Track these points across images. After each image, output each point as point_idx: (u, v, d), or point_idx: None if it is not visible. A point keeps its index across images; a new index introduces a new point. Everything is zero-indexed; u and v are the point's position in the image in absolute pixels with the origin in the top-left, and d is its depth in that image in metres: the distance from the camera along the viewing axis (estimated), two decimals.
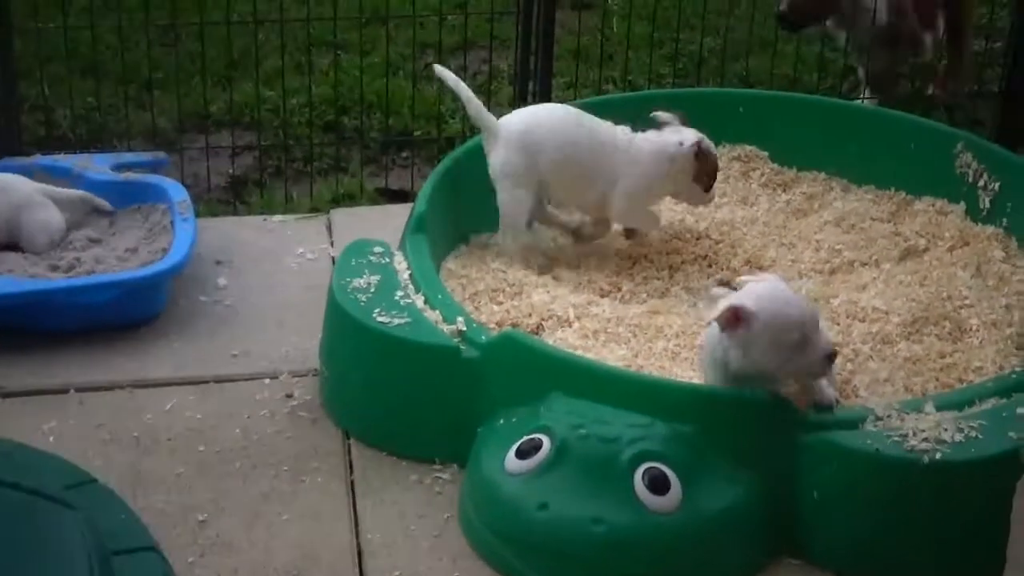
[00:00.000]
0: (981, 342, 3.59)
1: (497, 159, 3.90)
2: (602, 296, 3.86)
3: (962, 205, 4.19)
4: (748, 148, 4.50)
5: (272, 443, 3.45)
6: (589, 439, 3.04)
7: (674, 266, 4.04)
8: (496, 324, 3.61)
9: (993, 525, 2.53)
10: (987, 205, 4.13)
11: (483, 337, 3.34)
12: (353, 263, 3.66)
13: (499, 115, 3.96)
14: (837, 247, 4.09)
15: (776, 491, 3.06)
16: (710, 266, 4.04)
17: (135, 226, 4.21)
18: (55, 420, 3.50)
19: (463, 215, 4.08)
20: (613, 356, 3.50)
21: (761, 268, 3.92)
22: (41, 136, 5.01)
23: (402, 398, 3.39)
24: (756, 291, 3.10)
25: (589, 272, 3.99)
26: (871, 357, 3.55)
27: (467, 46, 5.44)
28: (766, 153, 4.44)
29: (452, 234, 4.03)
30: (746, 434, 3.09)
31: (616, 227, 4.11)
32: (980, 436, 2.99)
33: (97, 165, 4.39)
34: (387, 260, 3.69)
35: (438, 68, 3.96)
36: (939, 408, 3.10)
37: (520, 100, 5.04)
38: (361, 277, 3.58)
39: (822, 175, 4.44)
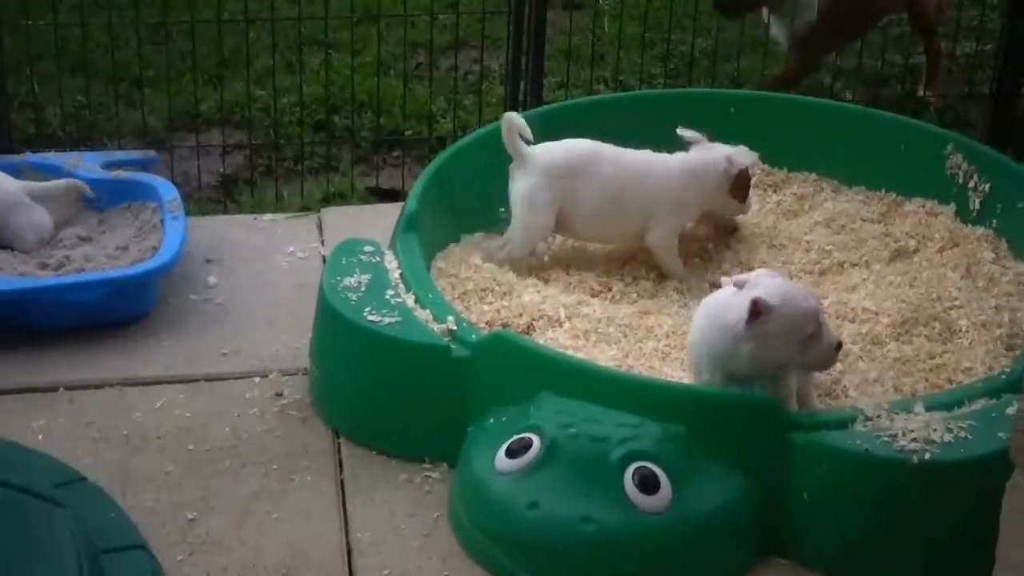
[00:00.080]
0: (971, 343, 3.60)
1: (525, 185, 3.91)
2: (592, 296, 3.87)
3: (952, 206, 4.20)
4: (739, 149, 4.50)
5: (262, 442, 3.45)
6: (579, 438, 3.04)
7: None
8: (486, 324, 3.60)
9: (982, 525, 2.53)
10: (977, 206, 4.14)
11: (473, 336, 3.34)
12: (344, 262, 3.66)
13: (492, 115, 3.96)
14: (827, 248, 4.09)
15: (766, 491, 3.06)
16: (701, 267, 4.05)
17: (125, 224, 4.20)
18: (44, 418, 3.49)
19: (454, 214, 4.07)
20: (603, 356, 3.51)
21: (751, 269, 3.92)
22: (31, 134, 5.00)
23: (392, 397, 3.39)
24: (768, 285, 3.13)
25: (580, 272, 3.99)
26: (861, 357, 3.56)
27: (458, 45, 5.44)
28: (757, 154, 4.43)
29: (443, 233, 4.02)
30: (736, 434, 3.09)
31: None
32: (969, 436, 3.01)
33: (87, 163, 4.38)
34: (377, 259, 3.69)
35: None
36: (929, 408, 3.10)
37: (511, 100, 5.04)
38: (352, 276, 3.58)
39: (813, 176, 4.44)
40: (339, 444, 3.45)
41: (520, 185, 3.92)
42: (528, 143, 3.92)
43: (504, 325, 3.60)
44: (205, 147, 4.98)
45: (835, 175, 4.43)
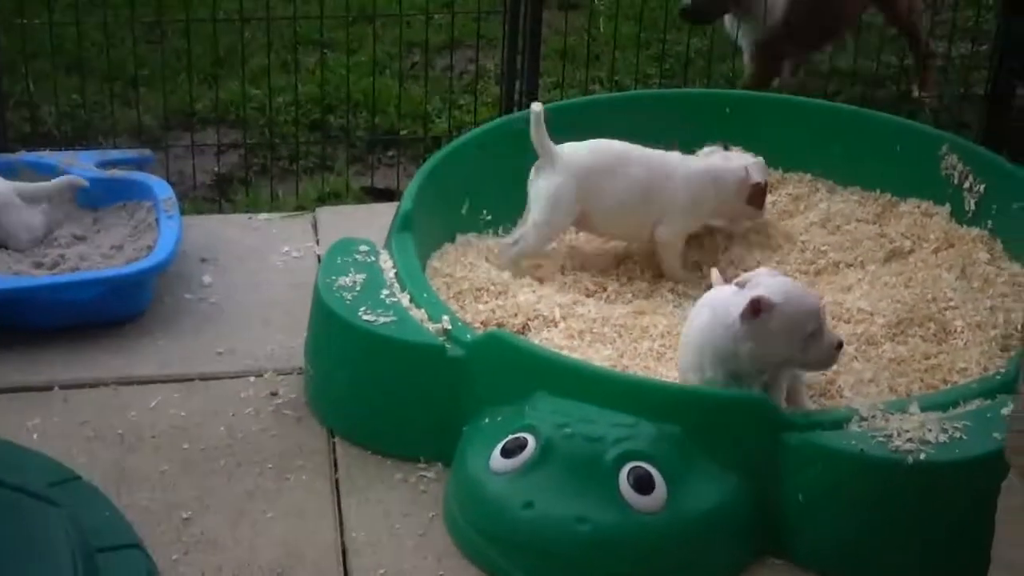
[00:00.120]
0: (966, 343, 3.60)
1: (551, 184, 3.90)
2: (588, 296, 3.86)
3: (947, 207, 4.20)
4: (735, 149, 4.50)
5: (257, 441, 3.44)
6: (574, 438, 3.04)
7: (659, 267, 4.05)
8: (481, 323, 3.61)
9: (977, 525, 2.52)
10: (972, 207, 4.14)
11: (468, 336, 3.34)
12: (339, 261, 3.66)
13: (488, 115, 3.96)
14: (823, 248, 4.09)
15: (761, 491, 3.06)
16: (696, 268, 4.05)
17: (120, 223, 4.20)
18: (39, 417, 3.48)
19: (449, 214, 4.07)
20: (598, 356, 3.51)
21: (746, 270, 3.92)
22: (26, 133, 4.99)
23: (387, 397, 3.38)
24: (770, 284, 3.14)
25: (575, 272, 4.00)
26: (856, 358, 3.56)
27: (454, 45, 5.44)
28: (752, 154, 4.44)
29: (438, 233, 4.02)
30: (731, 434, 3.09)
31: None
32: (964, 437, 3.01)
33: (82, 162, 4.37)
34: (373, 259, 3.69)
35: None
36: (924, 409, 3.10)
37: (507, 100, 5.04)
38: (347, 275, 3.58)
39: (808, 176, 4.44)
40: (334, 443, 3.44)
41: (545, 183, 3.91)
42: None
43: (499, 325, 3.60)
44: (200, 146, 4.97)
45: (830, 175, 4.43)
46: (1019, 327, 3.62)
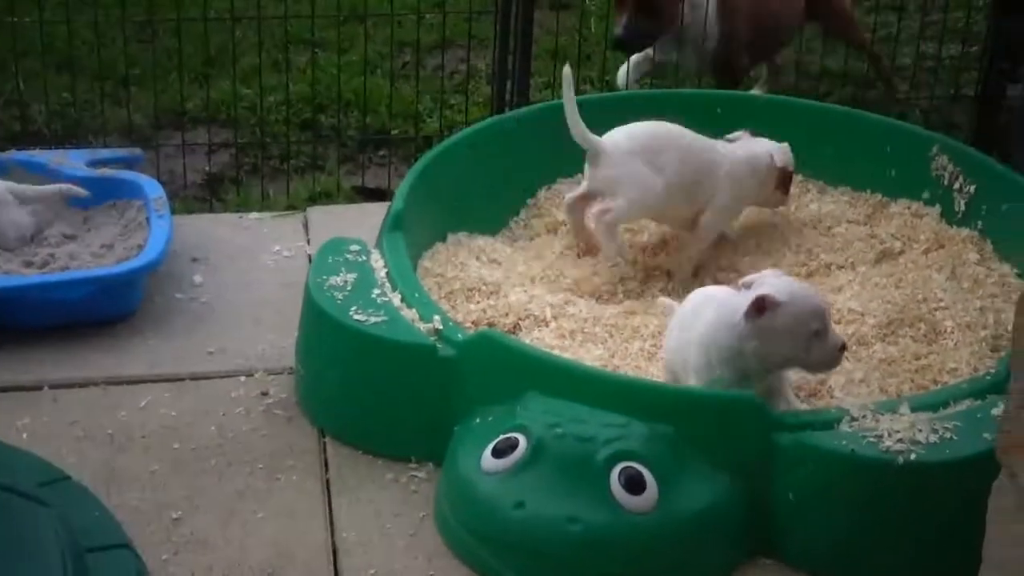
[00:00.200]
0: (956, 344, 3.60)
1: (607, 175, 3.90)
2: (579, 296, 3.86)
3: (938, 208, 4.21)
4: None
5: (247, 441, 3.44)
6: (565, 438, 3.04)
7: (650, 268, 4.05)
8: (473, 323, 3.61)
9: (968, 525, 2.53)
10: (962, 208, 4.15)
11: (459, 336, 3.34)
12: (330, 261, 3.65)
13: (479, 115, 3.96)
14: (813, 249, 4.10)
15: (752, 492, 3.06)
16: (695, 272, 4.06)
17: (110, 222, 4.19)
18: (28, 417, 3.47)
19: (440, 214, 4.07)
20: (590, 356, 3.51)
21: (737, 271, 3.93)
22: (16, 131, 4.98)
23: (378, 396, 3.38)
24: (775, 283, 3.15)
25: (566, 272, 3.99)
26: (846, 358, 3.55)
27: (445, 45, 5.44)
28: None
29: (429, 233, 4.02)
30: (722, 434, 3.09)
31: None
32: (955, 437, 3.01)
33: (72, 161, 4.36)
34: (364, 258, 3.68)
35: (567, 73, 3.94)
36: (914, 409, 3.11)
37: (498, 99, 5.04)
38: (338, 275, 3.57)
39: (798, 177, 4.43)
40: (325, 443, 3.44)
41: (601, 175, 3.91)
42: None
43: (490, 325, 3.60)
44: (191, 145, 4.96)
45: (820, 176, 4.44)
46: (1009, 327, 3.62)
